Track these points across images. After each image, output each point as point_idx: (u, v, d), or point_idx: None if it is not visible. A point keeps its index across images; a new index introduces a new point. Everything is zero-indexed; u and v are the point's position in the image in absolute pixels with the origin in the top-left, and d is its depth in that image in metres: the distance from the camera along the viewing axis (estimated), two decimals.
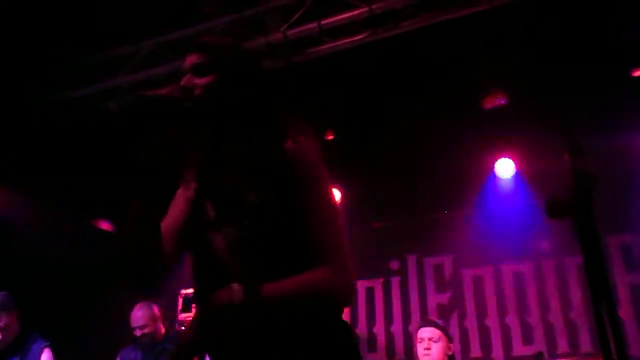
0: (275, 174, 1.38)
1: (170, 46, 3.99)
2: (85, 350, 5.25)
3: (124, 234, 1.45)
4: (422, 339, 3.30)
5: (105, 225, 6.06)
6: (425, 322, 3.48)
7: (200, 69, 1.43)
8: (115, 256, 1.61)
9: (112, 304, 5.27)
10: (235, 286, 1.28)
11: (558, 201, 1.06)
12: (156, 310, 4.16)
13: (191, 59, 1.45)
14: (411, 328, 5.15)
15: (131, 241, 1.43)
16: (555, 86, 3.97)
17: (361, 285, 5.43)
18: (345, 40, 3.73)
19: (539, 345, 4.58)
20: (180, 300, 5.34)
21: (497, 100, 4.56)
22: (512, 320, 4.90)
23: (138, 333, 4.04)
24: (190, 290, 5.39)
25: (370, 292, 5.47)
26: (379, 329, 5.32)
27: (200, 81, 1.41)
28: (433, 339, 3.26)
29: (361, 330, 5.29)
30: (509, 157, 5.04)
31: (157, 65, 3.99)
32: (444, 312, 5.12)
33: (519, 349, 4.78)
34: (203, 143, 1.48)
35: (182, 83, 1.42)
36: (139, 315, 4.08)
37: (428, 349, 3.24)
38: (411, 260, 5.43)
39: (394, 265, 5.46)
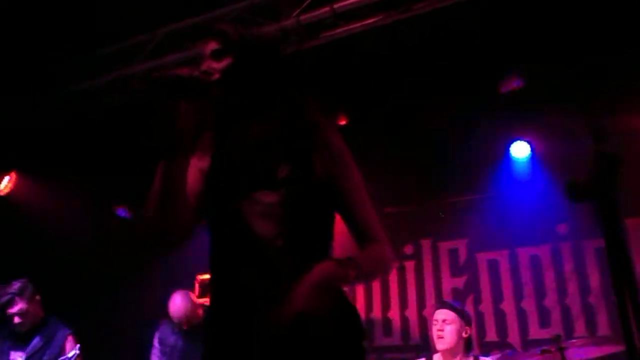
0: (303, 149, 1.46)
1: (184, 34, 3.98)
2: (108, 336, 5.35)
3: (150, 194, 1.50)
4: (437, 321, 3.28)
5: (123, 212, 6.13)
6: (441, 304, 3.47)
7: (218, 53, 1.49)
8: (140, 219, 1.66)
9: (135, 290, 5.36)
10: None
11: (579, 183, 1.04)
12: (193, 297, 4.18)
13: (209, 45, 1.50)
14: (426, 312, 5.15)
15: (157, 198, 1.48)
16: (575, 67, 3.90)
17: None
18: (359, 24, 3.70)
19: (556, 329, 4.56)
20: (197, 286, 5.43)
21: (512, 83, 4.50)
22: (528, 304, 4.88)
23: (177, 319, 4.01)
24: (207, 276, 5.44)
25: (384, 276, 5.48)
26: (393, 313, 5.33)
27: (218, 65, 1.47)
28: (447, 321, 3.22)
29: (376, 315, 5.31)
30: (525, 140, 4.98)
31: (171, 53, 3.99)
32: (459, 296, 5.11)
33: (535, 332, 4.76)
34: (222, 119, 1.54)
35: (202, 68, 1.48)
36: (178, 306, 4.04)
37: (441, 330, 3.22)
38: (425, 245, 5.42)
39: (408, 249, 5.45)
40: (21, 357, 3.43)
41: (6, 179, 5.00)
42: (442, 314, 3.29)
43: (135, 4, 3.82)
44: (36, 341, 3.47)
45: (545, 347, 2.55)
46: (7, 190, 4.98)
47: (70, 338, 3.55)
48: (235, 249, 1.48)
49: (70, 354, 3.25)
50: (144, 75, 4.05)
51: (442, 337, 3.21)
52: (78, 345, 3.36)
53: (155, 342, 4.00)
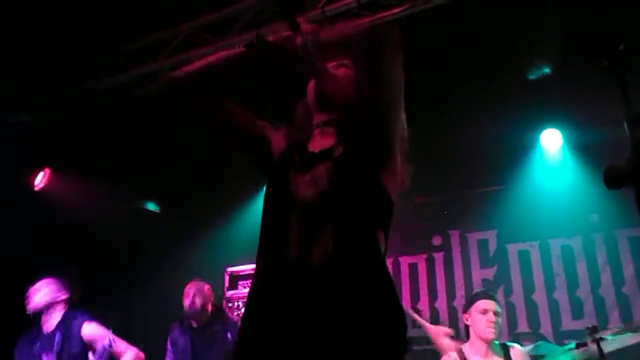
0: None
1: (208, 28, 4.01)
2: (139, 328, 5.46)
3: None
4: (486, 311, 3.25)
5: (152, 207, 6.24)
6: (488, 295, 3.39)
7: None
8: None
9: (165, 282, 5.45)
10: None
11: (618, 170, 1.02)
12: (207, 290, 4.18)
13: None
14: (456, 303, 5.12)
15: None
16: (609, 53, 3.78)
17: (404, 261, 5.41)
18: (384, 14, 3.66)
19: (589, 320, 4.48)
20: (227, 278, 5.49)
21: (541, 71, 4.40)
22: (560, 295, 4.80)
23: (188, 309, 4.06)
24: (237, 268, 5.52)
25: (413, 268, 5.45)
26: (423, 304, 5.30)
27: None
28: (497, 313, 3.24)
29: (405, 306, 5.29)
30: (556, 128, 4.88)
31: (196, 48, 4.02)
32: (489, 287, 5.05)
33: (568, 324, 4.68)
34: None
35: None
36: (187, 286, 4.13)
37: (493, 322, 3.21)
38: (454, 236, 5.37)
39: (437, 240, 5.42)
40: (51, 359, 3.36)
41: (40, 175, 5.12)
42: (492, 305, 3.27)
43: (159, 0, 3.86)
44: (57, 338, 3.39)
45: (580, 341, 2.49)
46: (41, 186, 5.10)
47: (85, 324, 3.44)
48: (280, 211, 1.58)
49: (104, 343, 3.23)
50: (169, 71, 4.09)
51: (493, 329, 3.21)
52: (110, 337, 3.31)
53: (168, 345, 4.11)
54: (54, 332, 3.40)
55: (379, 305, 1.45)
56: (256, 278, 1.60)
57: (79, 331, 3.39)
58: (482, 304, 3.29)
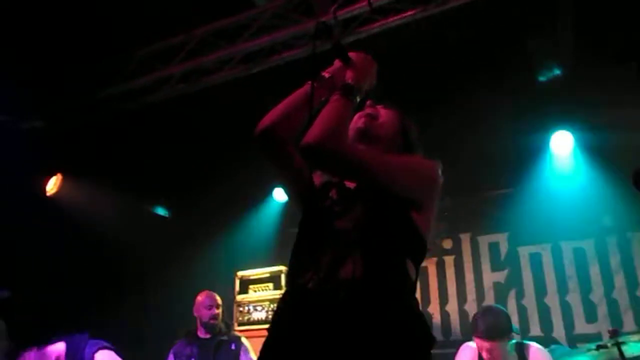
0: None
1: (221, 34, 4.02)
2: (150, 331, 5.47)
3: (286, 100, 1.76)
4: (483, 350, 3.10)
5: (161, 212, 6.26)
6: (487, 335, 3.08)
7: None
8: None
9: (176, 285, 5.46)
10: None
11: None
12: (218, 298, 4.21)
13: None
14: (467, 307, 5.10)
15: (289, 104, 1.74)
16: (621, 54, 3.77)
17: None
18: (396, 17, 3.66)
19: (603, 323, 4.46)
20: (237, 282, 5.48)
21: (552, 72, 4.39)
22: (573, 298, 4.78)
23: (206, 314, 4.08)
24: (247, 272, 5.52)
25: (423, 271, 5.44)
26: (434, 308, 5.29)
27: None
28: (495, 352, 3.05)
29: None
30: (567, 131, 4.86)
31: (209, 53, 4.04)
32: (501, 291, 5.04)
33: (581, 327, 4.66)
34: None
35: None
36: (209, 298, 4.15)
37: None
38: (465, 239, 5.36)
39: (447, 244, 5.40)
40: None
41: (52, 180, 5.15)
42: (488, 345, 3.06)
43: (173, 4, 3.88)
44: None
45: (601, 343, 2.48)
46: (53, 192, 5.13)
47: (98, 354, 2.86)
48: (314, 239, 1.62)
49: None
50: (182, 76, 4.11)
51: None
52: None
53: (171, 357, 4.11)
54: None
55: (402, 324, 1.45)
56: (283, 295, 1.63)
57: None
58: (482, 344, 3.10)
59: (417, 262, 1.62)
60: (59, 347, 2.83)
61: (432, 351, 1.49)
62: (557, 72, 4.36)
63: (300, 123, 1.67)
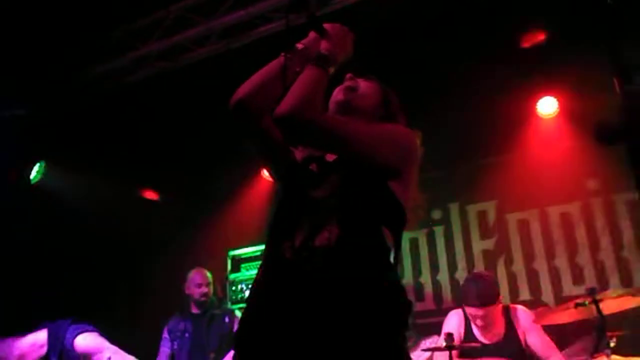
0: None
1: (197, 9, 3.96)
2: (136, 317, 5.51)
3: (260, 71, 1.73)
4: (476, 317, 3.17)
5: (151, 195, 6.24)
6: (479, 301, 3.14)
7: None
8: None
9: (169, 266, 5.48)
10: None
11: (609, 125, 1.01)
12: (210, 277, 4.34)
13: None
14: (457, 276, 5.16)
15: (263, 75, 1.71)
16: (602, 18, 3.74)
17: (405, 236, 5.43)
18: None
19: (590, 284, 4.52)
20: (230, 261, 5.51)
21: (535, 37, 4.36)
22: (561, 262, 4.84)
23: (196, 292, 4.22)
24: (239, 251, 5.55)
25: (414, 242, 5.48)
26: (425, 278, 5.35)
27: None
28: (490, 317, 3.13)
29: (407, 280, 5.33)
30: (552, 96, 4.85)
31: (186, 30, 3.98)
32: (490, 258, 5.09)
33: (569, 290, 4.72)
34: None
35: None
36: (199, 276, 4.28)
37: (486, 326, 3.16)
38: (453, 209, 5.39)
39: (437, 214, 5.43)
40: None
41: (35, 168, 5.11)
42: (482, 312, 3.13)
43: None
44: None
45: (579, 301, 2.52)
46: (37, 180, 5.09)
47: (79, 337, 2.88)
48: (292, 209, 1.64)
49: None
50: (160, 54, 4.06)
51: (489, 331, 3.17)
52: (108, 347, 2.87)
53: (165, 334, 4.23)
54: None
55: (377, 288, 1.47)
56: (260, 266, 1.64)
57: (73, 346, 2.85)
58: (474, 310, 3.16)
59: (395, 229, 1.62)
60: (41, 335, 2.85)
61: (425, 320, 1.52)
62: (540, 36, 4.34)
63: (275, 94, 1.64)
